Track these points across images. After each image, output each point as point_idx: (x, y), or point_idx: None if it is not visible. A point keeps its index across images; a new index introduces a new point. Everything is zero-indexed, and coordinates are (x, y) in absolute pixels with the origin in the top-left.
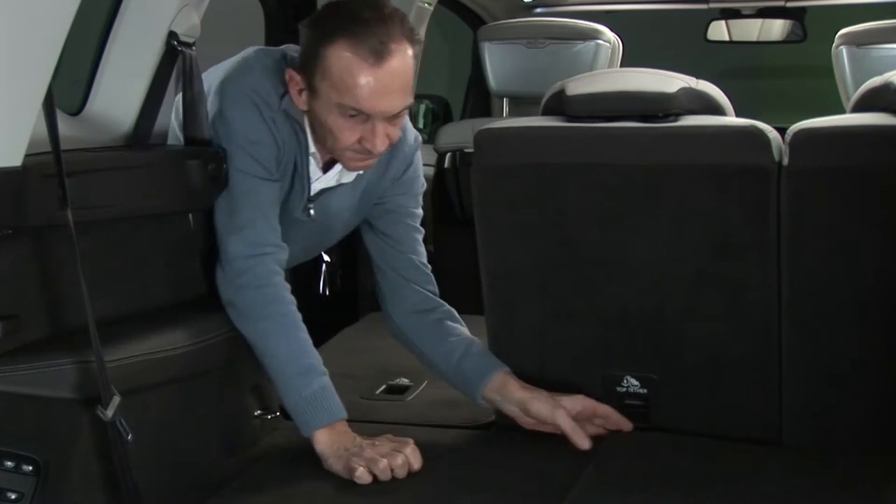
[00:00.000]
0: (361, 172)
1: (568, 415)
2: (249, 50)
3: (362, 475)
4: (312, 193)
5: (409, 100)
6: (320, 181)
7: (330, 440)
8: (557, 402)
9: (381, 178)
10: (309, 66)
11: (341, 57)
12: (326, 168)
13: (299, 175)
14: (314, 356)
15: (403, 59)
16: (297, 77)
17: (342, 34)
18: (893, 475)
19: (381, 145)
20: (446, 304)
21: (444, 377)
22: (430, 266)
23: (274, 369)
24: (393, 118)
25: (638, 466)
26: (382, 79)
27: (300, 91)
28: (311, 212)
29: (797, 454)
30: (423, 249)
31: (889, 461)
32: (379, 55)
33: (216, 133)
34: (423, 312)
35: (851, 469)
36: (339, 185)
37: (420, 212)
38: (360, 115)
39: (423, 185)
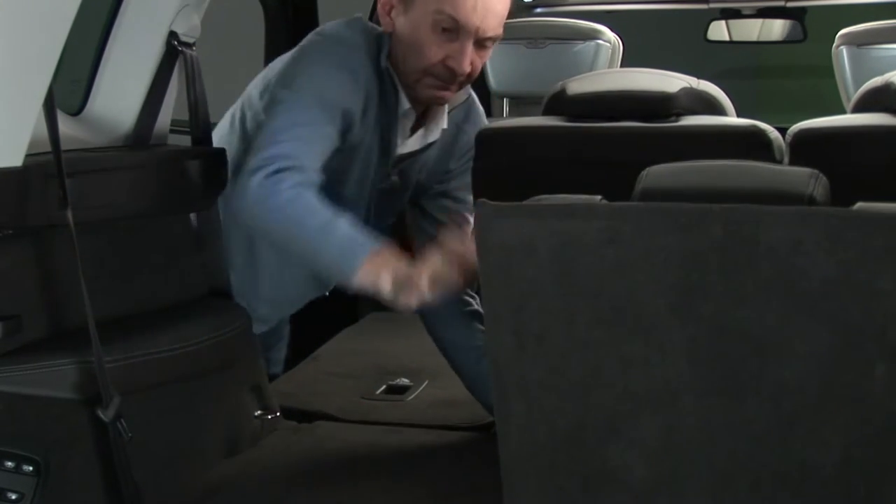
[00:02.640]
0: (445, 127)
1: None
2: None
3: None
4: (396, 159)
5: (500, 31)
6: (406, 145)
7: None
8: None
9: (454, 148)
10: None
11: None
12: (413, 131)
13: (382, 139)
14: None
15: None
16: None
17: None
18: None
19: (466, 66)
20: (475, 302)
21: (464, 378)
22: None
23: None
24: (481, 46)
25: None
26: None
27: (390, 10)
28: (393, 178)
29: None
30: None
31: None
32: None
33: (284, 79)
34: (461, 314)
35: None
36: (424, 150)
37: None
38: (452, 33)
39: None
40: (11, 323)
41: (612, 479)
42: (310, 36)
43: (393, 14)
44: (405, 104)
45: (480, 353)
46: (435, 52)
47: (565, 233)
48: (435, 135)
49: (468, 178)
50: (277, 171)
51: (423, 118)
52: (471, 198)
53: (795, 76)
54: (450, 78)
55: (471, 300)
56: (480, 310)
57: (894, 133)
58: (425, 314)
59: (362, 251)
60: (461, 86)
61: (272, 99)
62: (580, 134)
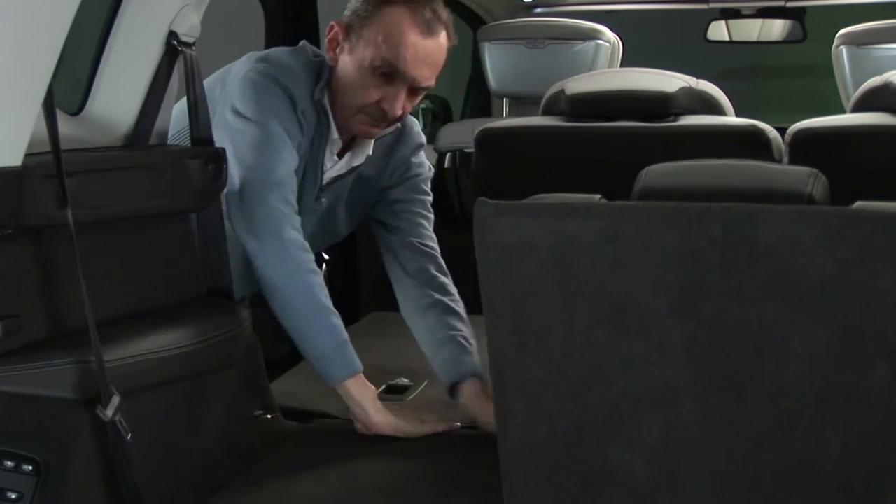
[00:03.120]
0: (370, 153)
1: None
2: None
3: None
4: (325, 182)
5: (433, 82)
6: (333, 169)
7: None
8: None
9: (386, 168)
10: (359, 19)
11: (398, 17)
12: (340, 155)
13: (313, 163)
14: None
15: (443, 41)
16: (340, 31)
17: (402, 2)
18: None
19: (399, 110)
20: (447, 296)
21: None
22: (437, 250)
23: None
24: (414, 92)
25: None
26: (426, 48)
27: (336, 46)
28: (323, 199)
29: None
30: (429, 233)
31: None
32: (430, 28)
33: (242, 109)
34: (421, 308)
35: None
36: (350, 172)
37: (428, 197)
38: (389, 77)
39: (430, 168)
40: (11, 323)
41: (612, 479)
42: (256, 62)
43: (338, 51)
44: (334, 134)
45: (443, 343)
46: (371, 93)
47: (565, 232)
48: (360, 160)
49: (411, 185)
50: (294, 227)
51: (349, 144)
52: (420, 197)
53: (795, 76)
54: (381, 118)
55: (432, 292)
56: (443, 299)
57: (894, 133)
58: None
59: (353, 366)
60: (390, 124)
61: (244, 129)
62: (579, 134)
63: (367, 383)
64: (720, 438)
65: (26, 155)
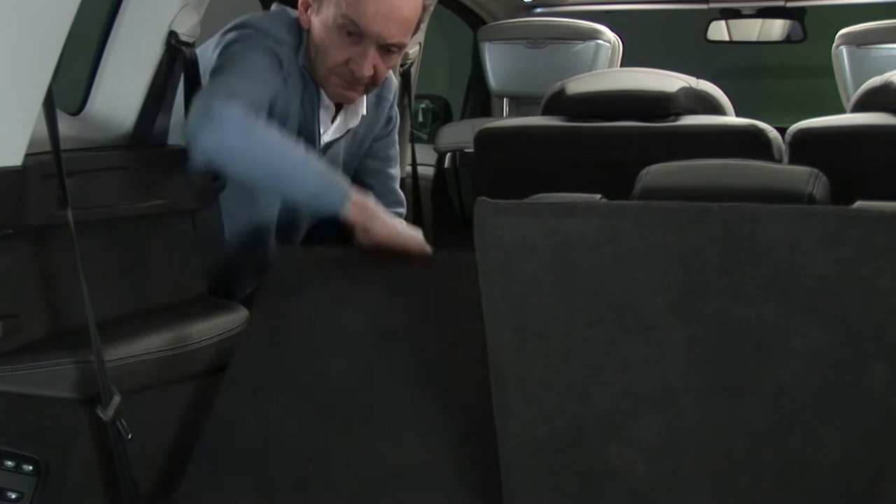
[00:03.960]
0: (364, 114)
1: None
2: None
3: None
4: (322, 146)
5: (406, 39)
6: (328, 133)
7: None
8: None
9: (377, 120)
10: None
11: None
12: (333, 119)
13: (308, 130)
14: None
15: None
16: None
17: None
18: None
19: (367, 70)
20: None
21: None
22: (402, 213)
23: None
24: (386, 52)
25: None
26: (389, 2)
27: (307, 8)
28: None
29: None
30: (398, 197)
31: None
32: None
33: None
34: None
35: None
36: (346, 135)
37: (397, 148)
38: (355, 36)
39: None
40: (10, 322)
41: (612, 478)
42: (231, 31)
43: (309, 12)
44: (326, 99)
45: None
46: (338, 53)
47: (565, 231)
48: (355, 122)
49: (393, 136)
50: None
51: (340, 105)
52: (394, 151)
53: (795, 76)
54: (352, 79)
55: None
56: None
57: (894, 133)
58: None
59: (345, 189)
60: (368, 88)
61: (218, 66)
62: (579, 133)
63: (364, 197)
64: (720, 438)
65: (26, 155)
